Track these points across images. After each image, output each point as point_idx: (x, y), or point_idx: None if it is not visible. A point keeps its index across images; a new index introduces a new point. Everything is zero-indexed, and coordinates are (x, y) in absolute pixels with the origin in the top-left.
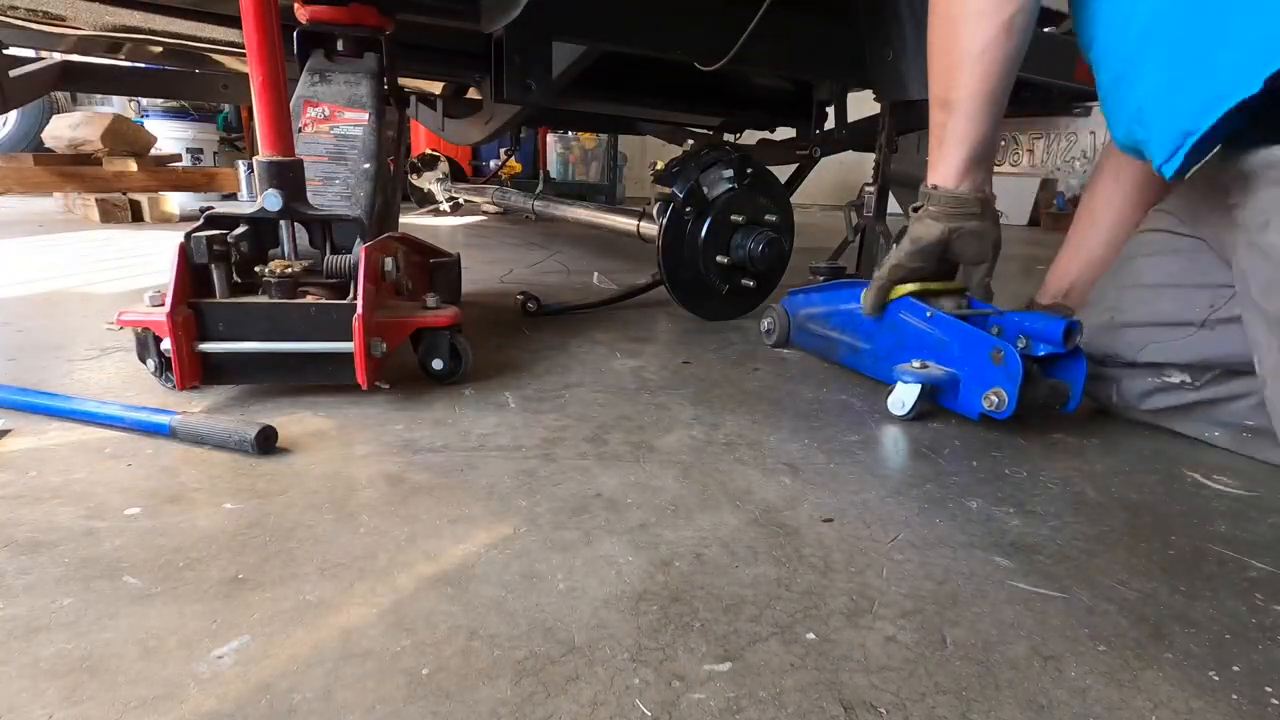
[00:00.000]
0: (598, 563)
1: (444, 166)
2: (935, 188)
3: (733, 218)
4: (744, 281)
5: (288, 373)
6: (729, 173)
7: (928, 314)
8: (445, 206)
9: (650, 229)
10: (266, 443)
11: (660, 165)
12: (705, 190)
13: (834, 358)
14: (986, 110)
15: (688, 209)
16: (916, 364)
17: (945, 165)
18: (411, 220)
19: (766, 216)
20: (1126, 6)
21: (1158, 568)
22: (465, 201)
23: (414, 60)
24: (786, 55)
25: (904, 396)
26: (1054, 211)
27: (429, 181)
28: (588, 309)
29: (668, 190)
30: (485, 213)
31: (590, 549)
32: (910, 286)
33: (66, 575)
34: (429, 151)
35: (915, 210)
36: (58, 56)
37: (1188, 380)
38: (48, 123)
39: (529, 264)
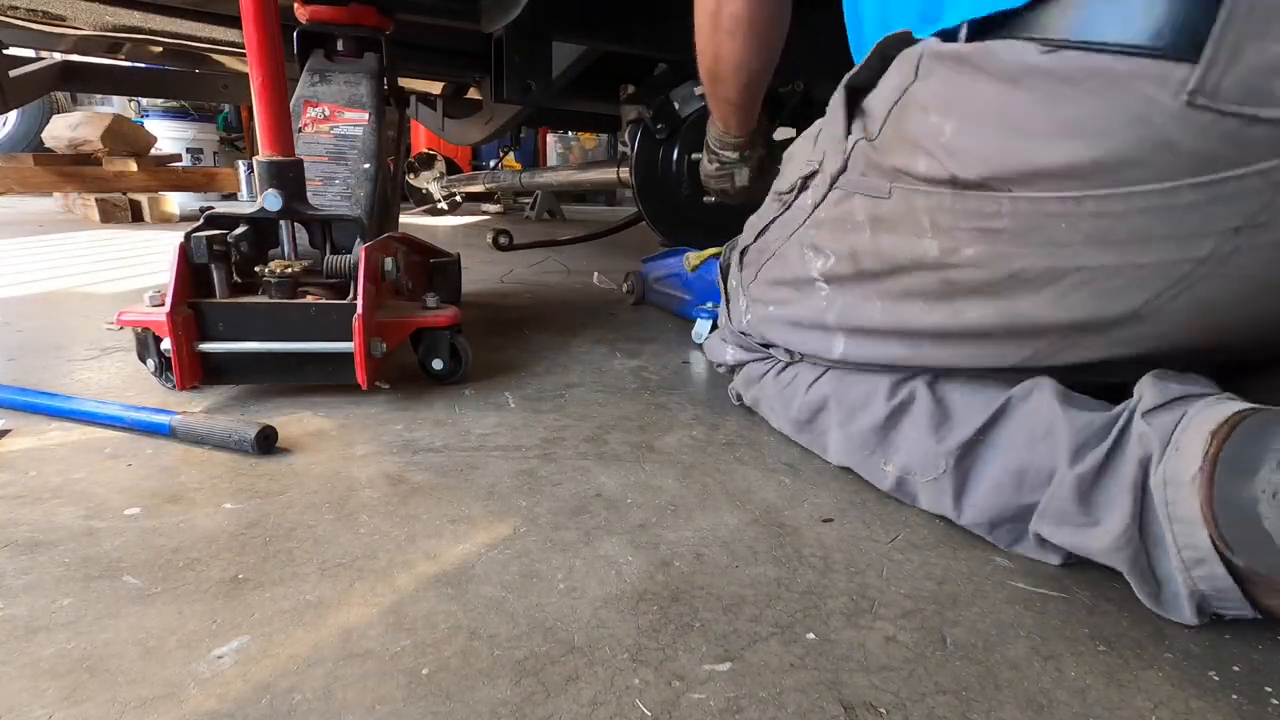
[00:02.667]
0: (598, 563)
1: (440, 166)
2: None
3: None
4: (717, 201)
5: (288, 373)
6: (700, 89)
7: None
8: (443, 205)
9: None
10: (266, 443)
11: (630, 89)
12: (676, 106)
13: (673, 309)
14: (753, 103)
15: (659, 127)
16: (710, 305)
17: (720, 119)
18: (411, 220)
19: None
20: None
21: None
22: (463, 200)
23: (414, 60)
24: (785, 54)
25: (699, 329)
26: None
27: (426, 181)
28: (563, 245)
29: (635, 115)
30: (485, 213)
31: (590, 549)
32: (714, 250)
33: (66, 575)
34: (426, 151)
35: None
36: (58, 56)
37: None
38: (48, 123)
39: (529, 264)
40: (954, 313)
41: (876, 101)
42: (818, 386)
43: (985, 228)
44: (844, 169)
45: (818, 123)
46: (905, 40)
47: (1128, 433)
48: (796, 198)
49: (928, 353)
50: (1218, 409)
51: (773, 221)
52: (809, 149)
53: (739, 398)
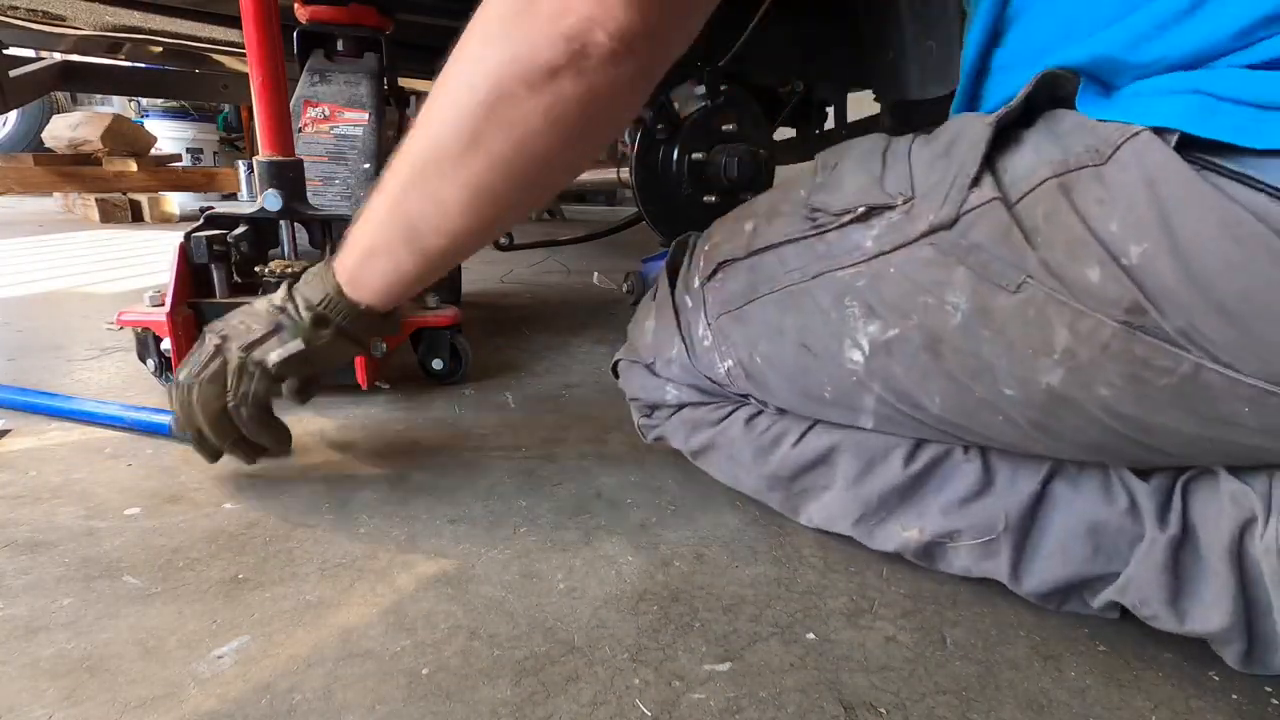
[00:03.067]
0: (598, 563)
1: None
2: None
3: (709, 134)
4: (718, 201)
5: None
6: (700, 89)
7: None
8: None
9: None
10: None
11: None
12: (676, 106)
13: None
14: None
15: (660, 127)
16: None
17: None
18: None
19: (745, 132)
20: None
21: None
22: None
23: (414, 60)
24: (786, 55)
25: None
26: None
27: None
28: (563, 245)
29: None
30: None
31: (590, 549)
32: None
33: (66, 575)
34: None
35: None
36: (58, 56)
37: None
38: (48, 123)
39: (529, 264)
40: (1044, 420)
41: (1028, 159)
42: (817, 436)
43: (1142, 377)
44: (953, 224)
45: (897, 140)
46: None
47: (1195, 498)
48: (848, 227)
49: (991, 436)
50: None
51: (788, 243)
52: (876, 166)
53: (657, 440)
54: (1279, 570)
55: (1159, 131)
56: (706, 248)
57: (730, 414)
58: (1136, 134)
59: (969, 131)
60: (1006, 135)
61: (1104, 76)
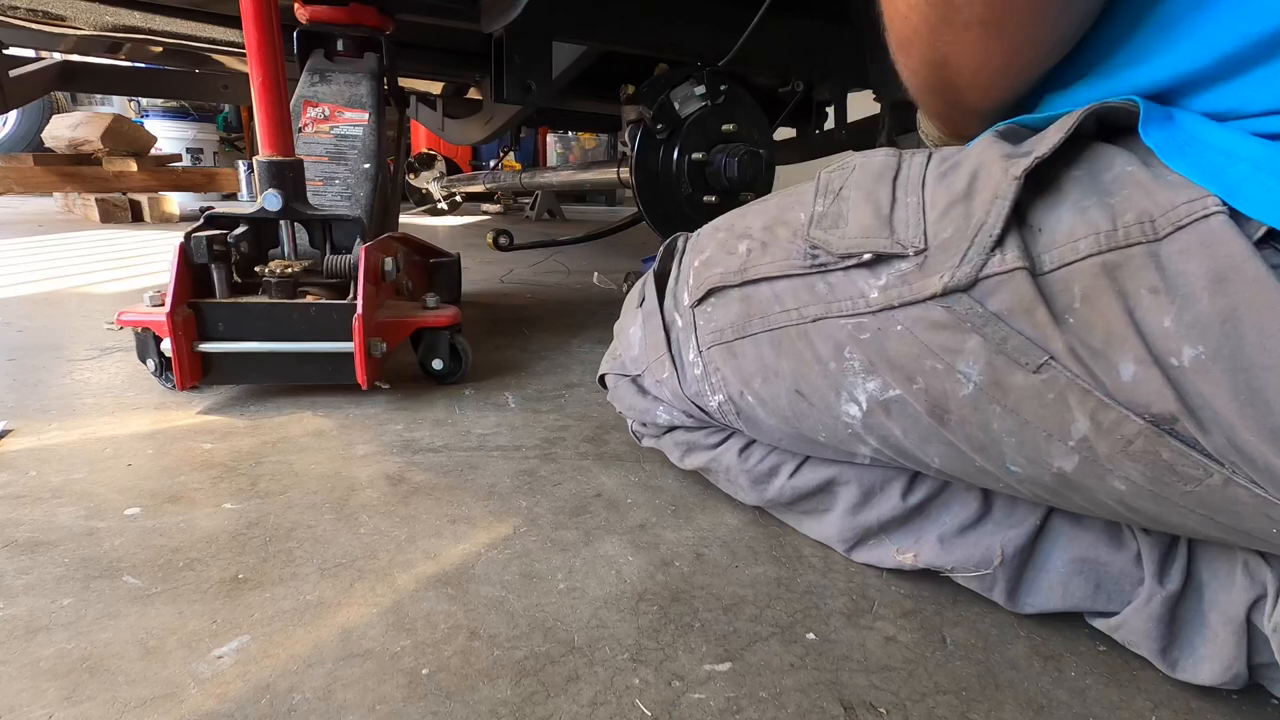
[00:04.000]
0: (598, 563)
1: (440, 166)
2: None
3: (709, 135)
4: (718, 201)
5: (288, 373)
6: (700, 89)
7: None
8: (443, 205)
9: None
10: None
11: (630, 90)
12: (677, 106)
13: None
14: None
15: (659, 127)
16: None
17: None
18: (411, 220)
19: (745, 132)
20: None
21: None
22: (463, 200)
23: (414, 60)
24: (787, 55)
25: None
26: None
27: (426, 181)
28: (563, 245)
29: (635, 116)
30: (485, 213)
31: (590, 549)
32: None
33: (66, 575)
34: (426, 151)
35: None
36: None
37: None
38: (48, 123)
39: (529, 264)
40: (1050, 497)
41: (1066, 221)
42: (813, 470)
43: (1164, 480)
44: (971, 286)
45: (909, 163)
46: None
47: (1206, 548)
48: (852, 271)
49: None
50: None
51: (785, 278)
52: (885, 197)
53: (655, 448)
54: None
55: (1235, 216)
56: (696, 264)
57: (724, 441)
58: (1207, 216)
59: (992, 176)
60: (1040, 173)
61: (1172, 98)
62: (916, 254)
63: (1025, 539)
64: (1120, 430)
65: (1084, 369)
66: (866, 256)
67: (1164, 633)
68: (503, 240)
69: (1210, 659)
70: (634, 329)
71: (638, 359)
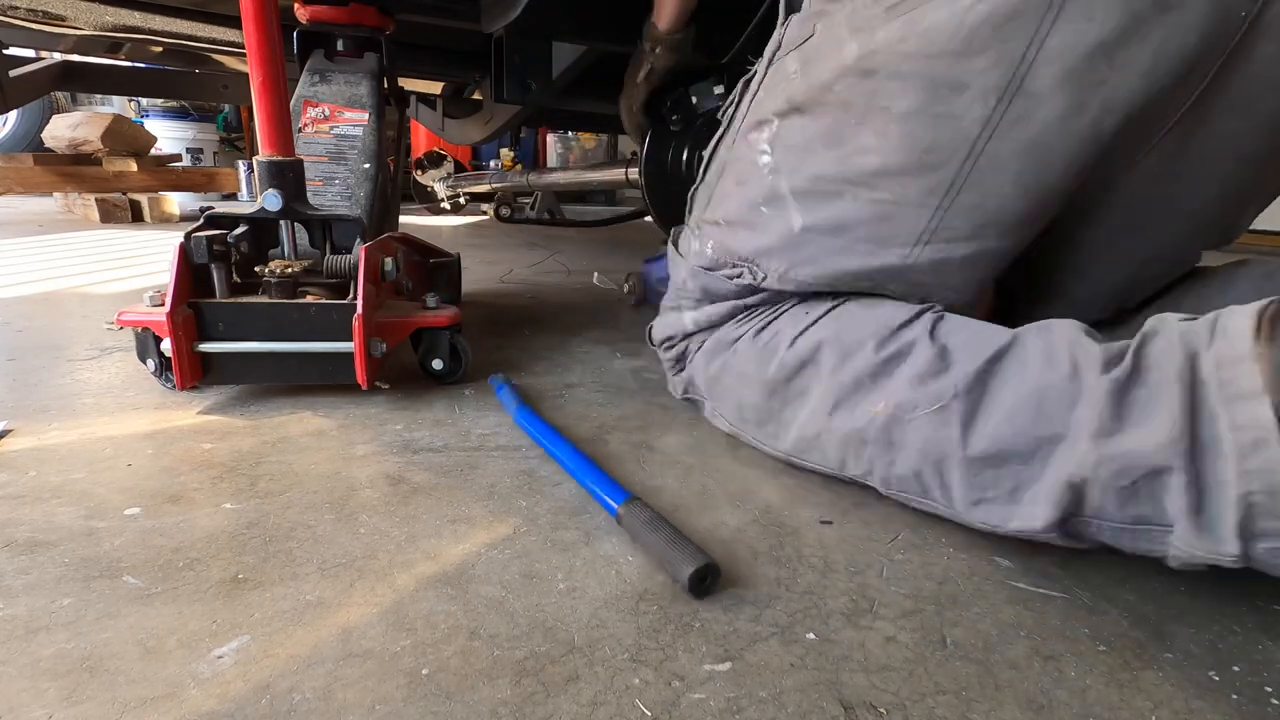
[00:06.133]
0: (598, 563)
1: (449, 166)
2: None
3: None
4: None
5: (288, 373)
6: (719, 88)
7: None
8: (446, 205)
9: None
10: (700, 583)
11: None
12: (694, 102)
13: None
14: None
15: (675, 118)
16: None
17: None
18: (412, 220)
19: None
20: None
21: (1157, 567)
22: (466, 201)
23: (414, 60)
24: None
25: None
26: None
27: (433, 179)
28: (567, 226)
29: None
30: (485, 213)
31: (590, 549)
32: None
33: (66, 575)
34: (437, 150)
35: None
36: (58, 56)
37: None
38: (48, 123)
39: (529, 264)
40: (883, 122)
41: None
42: (808, 335)
43: (890, 4)
44: (779, 47)
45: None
46: None
47: (1151, 343)
48: (738, 102)
49: (882, 194)
50: (1248, 306)
51: (719, 141)
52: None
53: (686, 389)
54: (1220, 383)
55: None
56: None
57: (741, 335)
58: None
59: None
60: None
61: None
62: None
63: (975, 377)
64: (859, 3)
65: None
66: (736, 91)
67: (1113, 417)
68: (504, 211)
69: (1161, 421)
70: (675, 270)
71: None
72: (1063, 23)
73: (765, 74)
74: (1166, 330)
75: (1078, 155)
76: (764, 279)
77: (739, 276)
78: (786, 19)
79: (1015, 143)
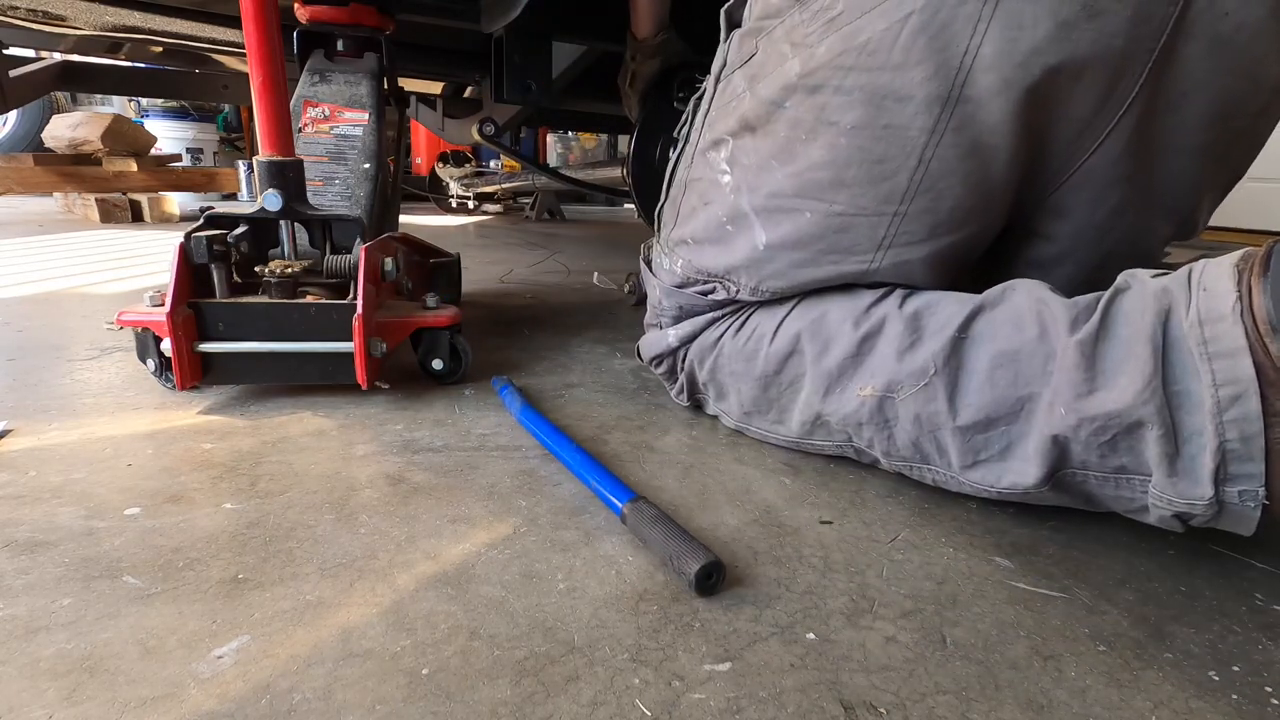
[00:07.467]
0: (598, 563)
1: (470, 168)
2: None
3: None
4: None
5: (288, 373)
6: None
7: None
8: (454, 204)
9: None
10: (706, 581)
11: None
12: (699, 79)
13: None
14: None
15: (681, 95)
16: None
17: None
18: (412, 220)
19: None
20: None
21: (1158, 567)
22: (475, 206)
23: (414, 60)
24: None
25: None
26: None
27: (451, 176)
28: (562, 179)
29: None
30: (486, 212)
31: (590, 549)
32: None
33: (66, 575)
34: (463, 152)
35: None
36: (58, 56)
37: None
38: (48, 123)
39: (529, 264)
40: (833, 136)
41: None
42: (785, 328)
43: (828, 20)
44: (724, 65)
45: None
46: None
47: (1121, 300)
48: (692, 119)
49: (838, 208)
50: (1223, 257)
51: (679, 160)
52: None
53: (687, 395)
54: (1202, 340)
55: None
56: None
57: (723, 334)
58: None
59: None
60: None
61: None
62: (707, 85)
63: (949, 348)
64: (796, 21)
65: (765, 20)
66: (688, 109)
67: (1085, 377)
68: (487, 129)
69: (1133, 378)
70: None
71: (653, 312)
72: (994, 32)
73: (714, 92)
74: (1139, 285)
75: (1019, 150)
76: (737, 292)
77: (713, 292)
78: (729, 35)
79: (960, 147)
